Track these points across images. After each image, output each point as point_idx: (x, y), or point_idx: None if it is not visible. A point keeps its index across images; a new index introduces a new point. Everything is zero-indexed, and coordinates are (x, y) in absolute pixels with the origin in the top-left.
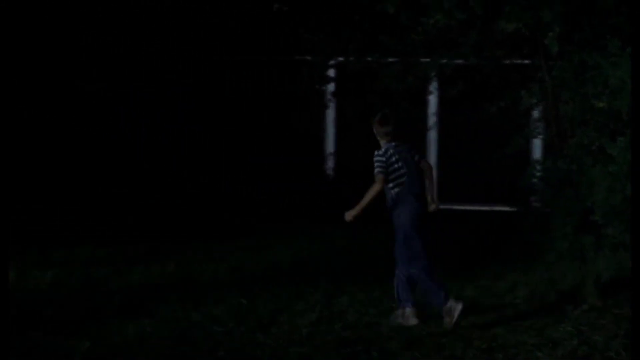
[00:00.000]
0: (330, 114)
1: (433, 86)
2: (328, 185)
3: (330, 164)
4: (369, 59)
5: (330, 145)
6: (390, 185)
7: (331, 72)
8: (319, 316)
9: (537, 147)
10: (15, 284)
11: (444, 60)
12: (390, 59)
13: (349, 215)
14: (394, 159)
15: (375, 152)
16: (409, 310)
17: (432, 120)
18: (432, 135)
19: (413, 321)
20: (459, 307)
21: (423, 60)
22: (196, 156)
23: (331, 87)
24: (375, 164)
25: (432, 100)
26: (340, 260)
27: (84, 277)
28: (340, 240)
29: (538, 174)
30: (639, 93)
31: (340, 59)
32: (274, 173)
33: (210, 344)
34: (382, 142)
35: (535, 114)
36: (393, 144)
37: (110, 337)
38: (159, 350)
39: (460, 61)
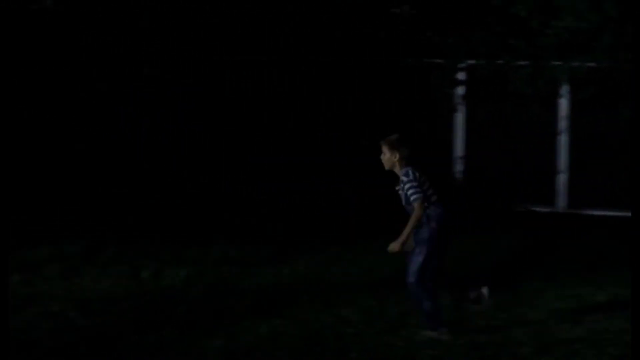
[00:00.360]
0: (460, 117)
1: (564, 89)
2: (457, 189)
3: (458, 167)
4: (500, 61)
5: (459, 149)
6: (425, 204)
7: (461, 75)
8: (449, 319)
9: None
10: (150, 282)
11: (576, 63)
12: (520, 62)
13: (396, 246)
14: (422, 179)
15: (404, 178)
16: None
17: (562, 124)
18: (563, 140)
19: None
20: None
21: (554, 63)
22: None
23: (460, 90)
24: (411, 190)
25: (563, 103)
26: (468, 265)
27: (216, 276)
28: (469, 245)
29: None
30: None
31: (471, 61)
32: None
33: (341, 345)
34: (399, 165)
35: None
36: (411, 166)
37: (242, 336)
38: (291, 350)
39: (592, 64)
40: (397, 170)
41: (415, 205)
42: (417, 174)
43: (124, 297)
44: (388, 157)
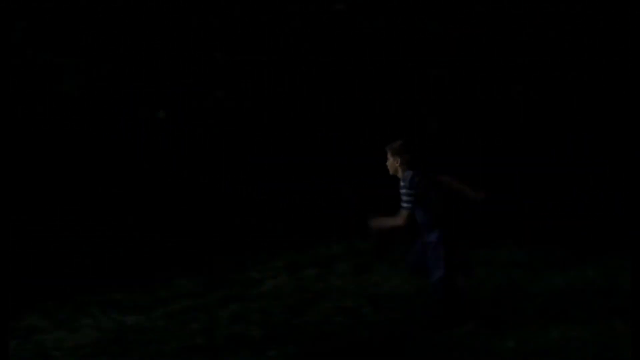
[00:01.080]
0: None
1: None
2: None
3: None
4: None
5: None
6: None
7: None
8: None
9: None
10: None
11: None
12: None
13: (375, 224)
14: (423, 184)
15: (402, 183)
16: None
17: None
18: None
19: None
20: None
21: None
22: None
23: None
24: (404, 198)
25: None
26: None
27: (505, 278)
28: None
29: None
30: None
31: None
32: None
33: None
34: (400, 170)
35: None
36: (416, 170)
37: (533, 339)
38: (582, 355)
39: None
40: (399, 174)
41: (402, 213)
42: (417, 181)
43: (414, 294)
44: (391, 163)
